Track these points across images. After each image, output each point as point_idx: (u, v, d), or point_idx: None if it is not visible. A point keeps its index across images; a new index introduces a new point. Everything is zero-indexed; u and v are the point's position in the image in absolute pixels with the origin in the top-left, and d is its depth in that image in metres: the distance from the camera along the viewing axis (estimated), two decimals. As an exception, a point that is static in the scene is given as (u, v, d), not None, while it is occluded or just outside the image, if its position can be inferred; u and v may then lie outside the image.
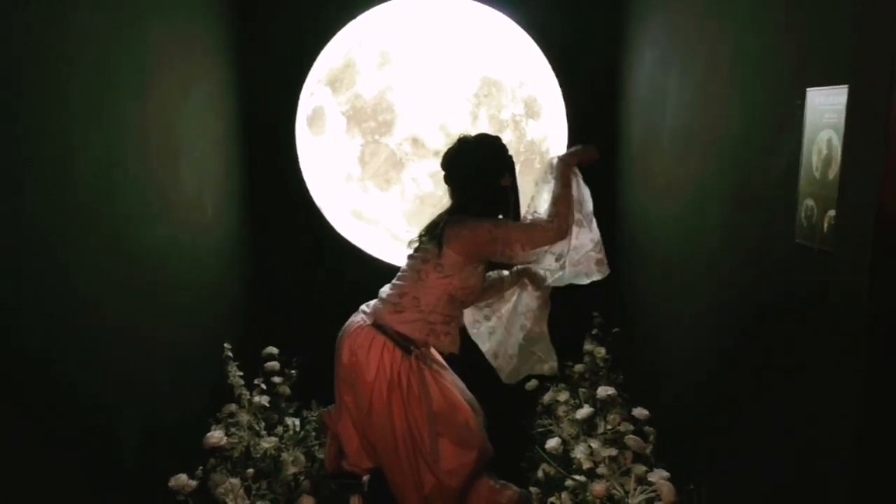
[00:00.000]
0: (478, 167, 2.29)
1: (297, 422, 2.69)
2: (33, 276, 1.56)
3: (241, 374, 2.63)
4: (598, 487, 2.05)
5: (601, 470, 2.15)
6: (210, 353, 2.60)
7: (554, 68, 3.10)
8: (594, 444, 2.29)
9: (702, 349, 2.16)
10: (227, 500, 2.15)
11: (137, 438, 2.02)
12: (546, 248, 2.28)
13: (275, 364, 2.76)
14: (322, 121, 3.11)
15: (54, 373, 1.64)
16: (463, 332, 2.44)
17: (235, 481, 2.19)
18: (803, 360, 1.51)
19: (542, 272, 2.37)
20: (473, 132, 2.37)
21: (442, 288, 2.24)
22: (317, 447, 2.64)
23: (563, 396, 2.71)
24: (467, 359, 2.43)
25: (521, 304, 2.46)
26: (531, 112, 3.11)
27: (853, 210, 1.16)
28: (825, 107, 1.43)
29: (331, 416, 2.43)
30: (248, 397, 2.60)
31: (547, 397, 2.81)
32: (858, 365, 1.13)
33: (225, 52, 2.92)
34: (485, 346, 2.53)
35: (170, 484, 2.05)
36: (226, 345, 2.62)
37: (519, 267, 2.42)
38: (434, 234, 2.27)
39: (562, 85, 3.11)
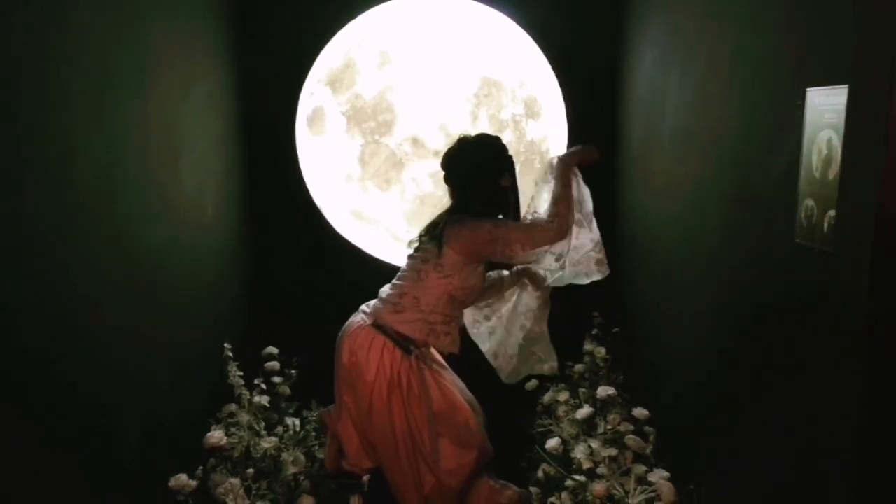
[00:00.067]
0: (478, 167, 2.29)
1: (297, 422, 2.69)
2: (33, 276, 1.56)
3: (241, 374, 2.63)
4: (598, 487, 2.05)
5: (601, 470, 2.15)
6: (210, 353, 2.60)
7: (554, 68, 3.10)
8: (594, 444, 2.29)
9: (702, 349, 2.16)
10: (227, 500, 2.15)
11: (137, 438, 2.02)
12: (546, 248, 2.29)
13: (275, 364, 2.76)
14: (322, 121, 3.11)
15: (54, 373, 1.64)
16: (463, 332, 2.44)
17: (235, 481, 2.19)
18: (803, 361, 1.51)
19: (542, 272, 2.37)
20: (473, 132, 2.37)
21: (442, 288, 2.24)
22: (317, 447, 2.64)
23: (563, 396, 2.71)
24: (467, 359, 2.43)
25: (521, 304, 2.46)
26: (531, 112, 3.11)
27: (853, 210, 1.16)
28: (825, 107, 1.42)
29: (331, 416, 2.43)
30: (248, 397, 2.60)
31: (547, 397, 2.82)
32: (858, 365, 1.13)
33: (225, 52, 2.92)
34: (485, 346, 2.53)
35: (170, 484, 2.05)
36: (226, 345, 2.62)
37: (519, 267, 2.42)
38: (434, 234, 2.28)
39: (562, 85, 3.11)
